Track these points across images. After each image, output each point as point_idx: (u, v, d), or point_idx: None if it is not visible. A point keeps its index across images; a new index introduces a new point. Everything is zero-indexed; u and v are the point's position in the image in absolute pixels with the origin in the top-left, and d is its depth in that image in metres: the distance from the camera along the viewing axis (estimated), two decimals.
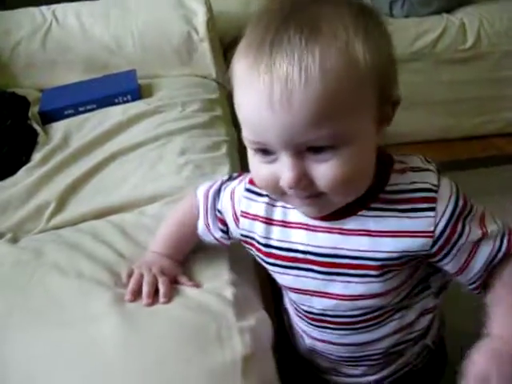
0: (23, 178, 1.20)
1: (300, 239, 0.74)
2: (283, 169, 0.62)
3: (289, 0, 0.63)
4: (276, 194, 0.68)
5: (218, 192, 0.85)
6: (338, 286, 0.73)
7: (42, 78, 1.67)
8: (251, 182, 0.78)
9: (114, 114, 1.42)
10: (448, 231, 0.68)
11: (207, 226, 0.86)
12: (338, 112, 0.59)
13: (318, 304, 0.76)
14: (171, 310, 0.79)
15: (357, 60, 0.59)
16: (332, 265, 0.72)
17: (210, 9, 1.76)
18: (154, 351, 0.73)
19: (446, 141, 2.32)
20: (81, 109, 1.47)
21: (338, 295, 0.74)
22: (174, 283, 0.84)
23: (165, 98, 1.49)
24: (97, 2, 1.77)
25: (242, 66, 0.61)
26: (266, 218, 0.76)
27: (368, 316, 0.76)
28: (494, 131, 2.35)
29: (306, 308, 0.79)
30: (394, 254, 0.69)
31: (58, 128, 1.40)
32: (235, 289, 0.84)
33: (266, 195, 0.76)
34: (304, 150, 0.61)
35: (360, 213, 0.70)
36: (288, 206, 0.74)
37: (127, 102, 1.49)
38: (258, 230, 0.77)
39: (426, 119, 2.30)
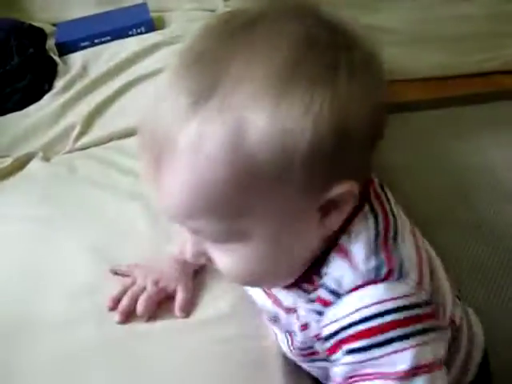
0: (48, 103, 1.25)
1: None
2: (186, 239, 0.54)
3: (223, 20, 0.49)
4: None
5: None
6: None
7: (55, 11, 1.70)
8: None
9: (130, 44, 1.46)
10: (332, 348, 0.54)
11: None
12: (217, 208, 0.46)
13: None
14: None
15: (252, 149, 0.43)
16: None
17: None
18: None
19: (446, 78, 2.35)
20: (96, 40, 1.51)
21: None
22: (170, 296, 0.75)
23: (177, 30, 1.53)
24: None
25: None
26: None
27: None
28: (495, 68, 2.36)
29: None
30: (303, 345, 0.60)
31: (76, 59, 1.44)
32: None
33: None
34: None
35: (292, 290, 0.58)
36: None
37: (141, 33, 1.53)
38: None
39: (426, 56, 2.30)
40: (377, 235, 0.52)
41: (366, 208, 0.53)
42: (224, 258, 0.51)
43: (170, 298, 0.74)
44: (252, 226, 0.48)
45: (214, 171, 0.43)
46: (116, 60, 1.38)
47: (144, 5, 1.63)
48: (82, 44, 1.50)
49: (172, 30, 1.54)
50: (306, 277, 0.55)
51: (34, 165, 1.06)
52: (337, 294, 0.52)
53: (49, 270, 0.81)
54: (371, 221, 0.53)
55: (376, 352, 0.50)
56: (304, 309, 0.56)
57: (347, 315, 0.51)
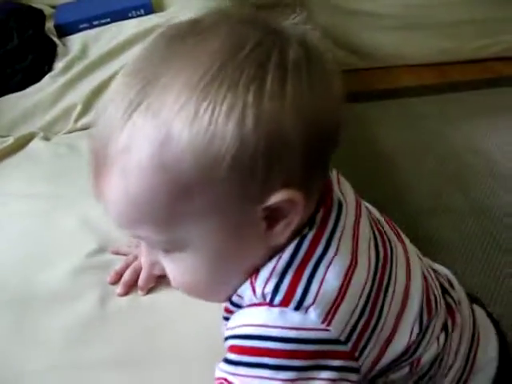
0: (48, 84, 1.25)
1: None
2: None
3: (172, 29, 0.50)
4: None
5: None
6: None
7: None
8: None
9: (129, 26, 1.46)
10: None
11: None
12: (151, 216, 0.47)
13: None
14: None
15: (178, 156, 0.43)
16: None
17: None
18: None
19: (443, 64, 2.36)
20: (95, 22, 1.51)
21: None
22: None
23: (177, 12, 1.53)
24: None
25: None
26: None
27: None
28: (492, 55, 2.37)
29: None
30: None
31: (75, 40, 1.44)
32: None
33: None
34: None
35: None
36: None
37: (140, 15, 1.53)
38: None
39: (423, 42, 2.32)
40: (291, 261, 0.50)
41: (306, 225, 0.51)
42: (171, 266, 0.52)
43: None
44: (191, 234, 0.48)
45: (144, 179, 0.44)
46: (115, 42, 1.38)
47: None
48: (81, 26, 1.50)
49: (171, 12, 1.54)
50: None
51: (36, 144, 1.07)
52: (238, 306, 0.53)
53: (52, 245, 0.82)
54: (296, 242, 0.50)
55: (241, 370, 0.49)
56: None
57: (236, 327, 0.51)
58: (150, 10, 1.54)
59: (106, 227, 0.82)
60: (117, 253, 0.81)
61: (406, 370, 0.58)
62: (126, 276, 0.75)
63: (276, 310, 0.49)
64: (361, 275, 0.52)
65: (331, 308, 0.49)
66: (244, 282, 0.51)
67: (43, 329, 0.71)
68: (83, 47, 1.39)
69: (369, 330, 0.52)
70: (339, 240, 0.52)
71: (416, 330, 0.57)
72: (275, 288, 0.49)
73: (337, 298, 0.50)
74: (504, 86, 2.23)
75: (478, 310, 0.75)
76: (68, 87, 1.24)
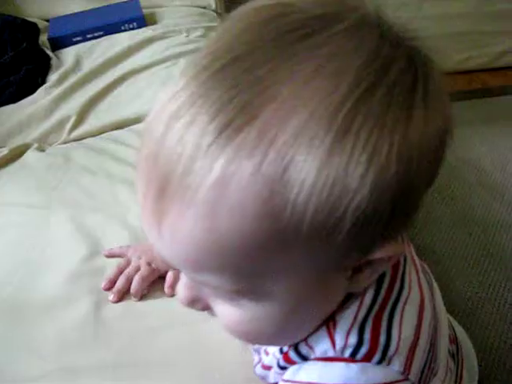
0: (42, 96, 1.27)
1: None
2: (180, 281, 0.45)
3: (258, 30, 0.36)
4: None
5: None
6: None
7: (47, 7, 1.72)
8: None
9: (122, 39, 1.48)
10: None
11: None
12: (232, 266, 0.36)
13: None
14: None
15: (291, 204, 0.33)
16: None
17: None
18: None
19: None
20: (89, 35, 1.53)
21: None
22: (164, 276, 0.76)
23: (169, 25, 1.56)
24: None
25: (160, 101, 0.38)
26: None
27: None
28: (479, 66, 2.41)
29: None
30: None
31: (69, 53, 1.46)
32: None
33: None
34: None
35: None
36: None
37: (133, 29, 1.55)
38: None
39: None
40: (371, 306, 0.44)
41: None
42: (229, 310, 0.42)
43: (163, 277, 0.77)
44: (272, 287, 0.39)
45: (240, 223, 0.33)
46: (109, 54, 1.40)
47: (135, 1, 1.65)
48: (75, 39, 1.52)
49: (163, 26, 1.56)
50: None
51: (30, 155, 1.08)
52: (304, 358, 0.46)
53: (45, 253, 0.83)
54: (375, 284, 0.45)
55: None
56: (271, 352, 0.52)
57: (303, 383, 0.45)
58: (142, 24, 1.57)
59: (99, 233, 0.83)
60: (110, 255, 0.81)
61: None
62: (119, 284, 0.76)
63: (356, 366, 0.42)
64: (428, 309, 0.47)
65: (409, 353, 0.44)
66: (315, 330, 0.45)
67: (37, 335, 0.72)
68: (77, 60, 1.41)
69: (430, 370, 0.48)
70: (409, 275, 0.46)
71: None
72: (359, 340, 0.43)
73: (413, 340, 0.44)
74: (491, 96, 2.27)
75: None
76: (62, 99, 1.25)
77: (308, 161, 0.32)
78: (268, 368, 0.53)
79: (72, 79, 1.32)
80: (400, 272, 0.46)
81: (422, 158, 0.35)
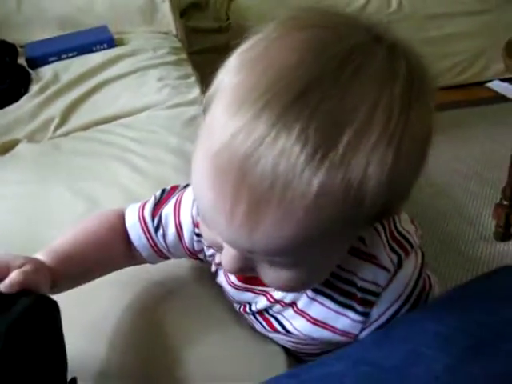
0: (26, 102, 1.40)
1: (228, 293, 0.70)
2: (223, 257, 0.52)
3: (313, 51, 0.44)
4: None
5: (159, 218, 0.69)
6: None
7: (20, 35, 1.85)
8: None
9: (95, 57, 1.63)
10: (376, 329, 0.60)
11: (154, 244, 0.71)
12: (299, 250, 0.46)
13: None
14: None
15: (363, 200, 0.43)
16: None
17: None
18: None
19: None
20: (63, 56, 1.67)
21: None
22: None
23: (137, 46, 1.72)
24: None
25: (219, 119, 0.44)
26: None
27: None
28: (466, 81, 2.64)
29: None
30: (305, 340, 0.65)
31: (47, 70, 1.60)
32: None
33: None
34: None
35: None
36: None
37: (104, 49, 1.71)
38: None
39: None
40: (385, 232, 0.59)
41: None
42: (278, 273, 0.50)
43: None
44: (319, 256, 0.50)
45: (320, 221, 0.43)
46: (84, 69, 1.55)
47: (104, 26, 1.81)
48: (51, 59, 1.66)
49: (132, 46, 1.72)
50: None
51: (21, 146, 1.20)
52: (376, 294, 0.59)
53: (48, 209, 0.95)
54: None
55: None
56: (333, 310, 0.61)
57: (392, 303, 0.59)
58: (112, 45, 1.72)
59: (95, 196, 0.96)
60: None
61: None
62: None
63: (405, 267, 0.60)
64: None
65: (416, 235, 0.65)
66: (367, 272, 0.59)
67: None
68: (55, 74, 1.55)
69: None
70: None
71: None
72: (398, 257, 0.60)
73: (415, 228, 0.66)
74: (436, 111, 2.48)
75: None
76: (45, 105, 1.39)
77: (381, 169, 0.42)
78: (276, 302, 0.64)
79: (52, 89, 1.45)
80: None
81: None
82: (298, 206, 0.41)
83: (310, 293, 0.61)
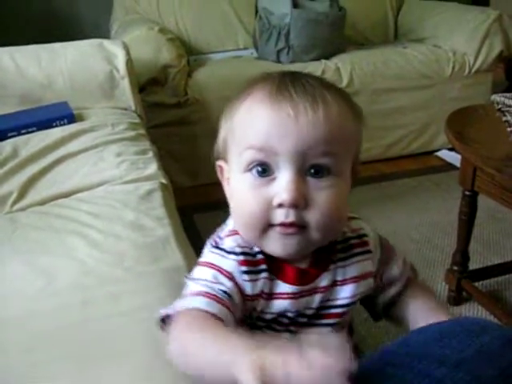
0: None
1: (283, 308, 0.71)
2: (283, 185, 0.65)
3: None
4: (258, 229, 0.67)
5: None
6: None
7: None
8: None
9: (55, 132, 1.66)
10: (380, 267, 0.80)
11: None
12: (343, 140, 0.68)
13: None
14: None
15: (354, 115, 0.71)
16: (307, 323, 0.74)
17: (128, 52, 2.06)
18: None
19: None
20: (23, 131, 1.70)
21: None
22: None
23: (96, 121, 1.76)
24: (28, 47, 2.02)
25: (259, 94, 0.68)
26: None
27: None
28: (375, 157, 2.77)
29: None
30: (354, 299, 0.75)
31: (6, 145, 1.62)
32: None
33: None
34: (306, 170, 0.66)
35: (329, 268, 0.74)
36: (272, 276, 0.71)
37: (64, 125, 1.74)
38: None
39: None
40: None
41: None
42: (323, 194, 0.66)
43: None
44: (347, 163, 0.70)
45: (347, 117, 0.70)
46: (44, 143, 1.58)
47: (64, 103, 1.86)
48: (10, 134, 1.69)
49: (91, 121, 1.77)
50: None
51: None
52: (366, 235, 0.79)
53: (2, 290, 0.96)
54: None
55: None
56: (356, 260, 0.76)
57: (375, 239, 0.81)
58: (72, 120, 1.77)
59: (50, 268, 0.97)
60: None
61: None
62: None
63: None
64: None
65: None
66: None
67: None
68: (14, 149, 1.57)
69: None
70: None
71: None
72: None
73: None
74: (385, 181, 2.59)
75: None
76: (3, 179, 1.40)
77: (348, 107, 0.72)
78: (361, 277, 0.77)
79: (11, 164, 1.47)
80: None
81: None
82: (332, 108, 0.68)
83: (339, 263, 0.74)
